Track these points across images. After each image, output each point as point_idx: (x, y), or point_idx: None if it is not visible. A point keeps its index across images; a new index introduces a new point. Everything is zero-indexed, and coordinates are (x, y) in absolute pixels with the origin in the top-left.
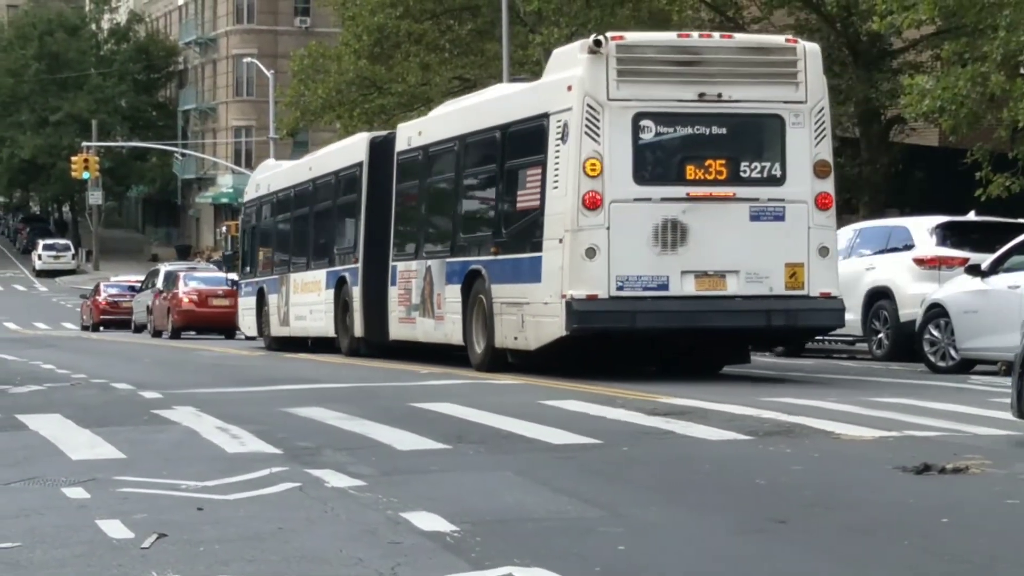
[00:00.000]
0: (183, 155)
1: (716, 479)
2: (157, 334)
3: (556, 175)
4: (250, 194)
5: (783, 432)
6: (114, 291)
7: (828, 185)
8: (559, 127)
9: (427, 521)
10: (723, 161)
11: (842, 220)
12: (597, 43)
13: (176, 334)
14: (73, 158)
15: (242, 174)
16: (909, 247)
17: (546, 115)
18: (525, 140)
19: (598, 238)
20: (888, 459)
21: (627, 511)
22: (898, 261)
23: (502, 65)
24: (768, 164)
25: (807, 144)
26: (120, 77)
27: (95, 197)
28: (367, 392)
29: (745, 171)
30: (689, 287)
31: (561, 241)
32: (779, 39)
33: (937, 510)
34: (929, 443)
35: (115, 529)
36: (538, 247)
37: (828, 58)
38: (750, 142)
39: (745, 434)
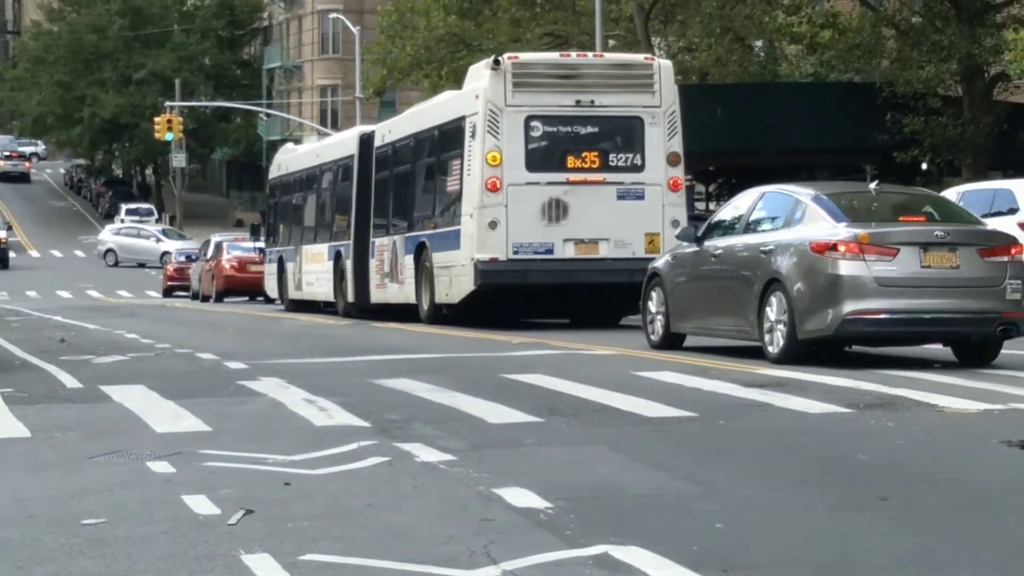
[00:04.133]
0: (268, 115)
1: (816, 454)
2: (205, 299)
3: (469, 164)
4: (273, 173)
5: (884, 405)
6: (182, 259)
7: (678, 172)
8: (471, 127)
9: (520, 497)
10: (596, 153)
11: (944, 183)
12: (496, 62)
13: (220, 298)
14: (156, 119)
15: (328, 135)
16: (1014, 211)
17: (463, 117)
18: (452, 137)
19: (499, 213)
20: (993, 433)
21: (725, 487)
22: (1003, 225)
23: (594, 21)
24: (631, 155)
25: (661, 140)
26: (203, 34)
27: (178, 160)
28: (456, 363)
29: (613, 161)
30: (570, 251)
31: (472, 216)
32: (639, 58)
33: None
34: None
35: (201, 505)
36: (458, 221)
37: (930, 12)
38: (617, 138)
39: (845, 407)
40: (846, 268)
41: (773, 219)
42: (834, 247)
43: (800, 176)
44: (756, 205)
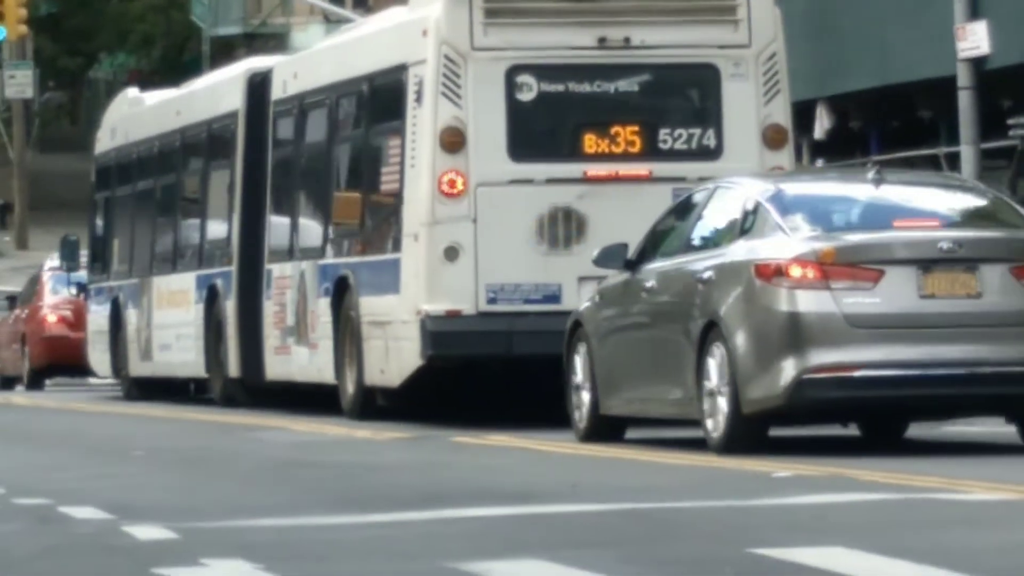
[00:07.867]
0: None
1: None
2: (8, 383)
3: (414, 149)
4: (103, 143)
5: None
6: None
7: (783, 158)
8: (416, 84)
9: None
10: (635, 128)
11: None
12: None
13: (36, 381)
14: None
15: (359, 25)
16: None
17: (404, 67)
18: (387, 99)
19: (460, 234)
20: None
21: None
22: None
23: None
24: (698, 131)
25: (753, 103)
26: None
27: (17, 82)
28: (644, 518)
29: (666, 141)
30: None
31: (417, 238)
32: None
33: None
34: None
35: None
36: (398, 246)
37: None
38: (672, 102)
39: None
40: (803, 301)
41: (721, 229)
42: (782, 270)
43: None
44: (705, 206)
